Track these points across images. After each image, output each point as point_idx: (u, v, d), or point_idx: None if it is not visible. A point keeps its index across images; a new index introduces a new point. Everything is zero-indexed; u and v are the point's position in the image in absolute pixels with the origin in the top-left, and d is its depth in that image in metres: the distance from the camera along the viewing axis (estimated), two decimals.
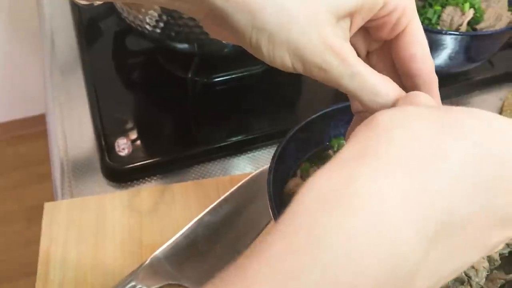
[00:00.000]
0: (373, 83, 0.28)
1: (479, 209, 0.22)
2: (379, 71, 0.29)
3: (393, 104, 0.29)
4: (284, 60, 0.28)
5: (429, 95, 0.29)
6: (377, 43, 0.33)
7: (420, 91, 0.31)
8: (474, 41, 0.59)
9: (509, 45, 0.68)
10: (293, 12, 0.27)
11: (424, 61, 0.31)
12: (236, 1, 0.27)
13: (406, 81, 0.31)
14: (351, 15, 0.29)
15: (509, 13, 0.64)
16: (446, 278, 0.23)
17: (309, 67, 0.28)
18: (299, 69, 0.29)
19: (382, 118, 0.23)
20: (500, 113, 0.66)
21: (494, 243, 0.24)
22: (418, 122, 0.23)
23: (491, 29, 0.62)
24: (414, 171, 0.21)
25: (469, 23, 0.62)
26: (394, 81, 0.30)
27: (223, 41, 0.33)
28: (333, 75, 0.28)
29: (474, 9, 0.61)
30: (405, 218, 0.20)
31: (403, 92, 0.29)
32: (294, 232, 0.20)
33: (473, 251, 0.23)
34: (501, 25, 0.63)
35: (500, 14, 0.63)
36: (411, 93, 0.29)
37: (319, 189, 0.21)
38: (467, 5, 0.61)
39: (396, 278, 0.20)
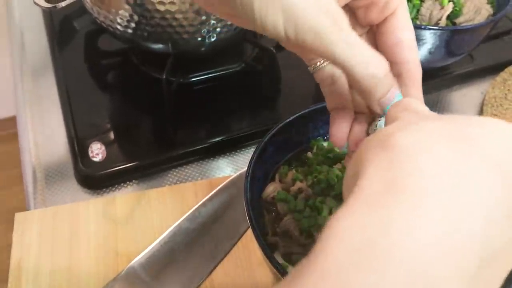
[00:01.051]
0: (366, 54, 0.27)
1: (509, 239, 0.20)
2: None
3: (382, 81, 0.28)
4: (276, 23, 0.26)
5: (416, 96, 0.29)
6: (362, 29, 0.32)
7: (404, 80, 0.30)
8: (454, 36, 0.58)
9: (489, 38, 0.67)
10: None
11: (410, 48, 0.30)
12: None
13: (390, 69, 0.30)
14: None
15: (488, 6, 0.63)
16: None
17: (302, 33, 0.26)
18: (291, 35, 0.26)
19: (401, 140, 0.21)
20: (482, 106, 0.66)
21: None
22: (439, 143, 0.21)
23: (471, 22, 0.61)
24: (447, 205, 0.19)
25: (448, 17, 0.61)
26: None
27: (214, 13, 0.31)
28: (327, 41, 0.26)
29: (453, 2, 0.60)
30: (448, 266, 0.18)
31: (390, 73, 0.28)
32: None
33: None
34: (480, 18, 0.62)
35: (479, 8, 0.62)
36: (404, 100, 0.28)
37: (351, 240, 0.18)
38: None
39: None
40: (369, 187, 0.20)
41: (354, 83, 0.28)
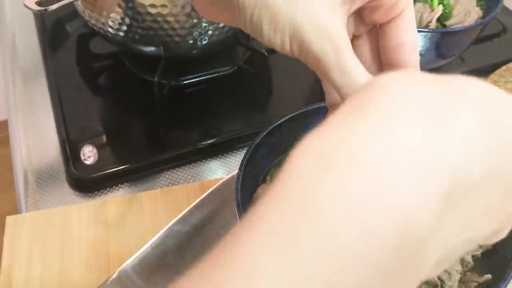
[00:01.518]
0: (357, 80, 0.27)
1: (491, 173, 0.19)
2: (362, 58, 0.29)
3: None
4: (284, 41, 0.28)
5: None
6: (365, 27, 0.32)
7: None
8: (444, 38, 0.58)
9: (479, 41, 0.68)
10: None
11: (412, 51, 0.30)
12: None
13: (388, 69, 0.30)
14: None
15: (478, 8, 0.64)
16: (454, 252, 0.21)
17: (304, 54, 0.28)
18: (295, 52, 0.28)
19: (379, 79, 0.21)
20: None
21: (506, 216, 0.22)
22: (419, 82, 0.20)
23: (461, 25, 0.62)
24: (422, 127, 0.18)
25: (438, 20, 0.61)
26: (376, 70, 0.30)
27: (213, 20, 0.34)
28: (325, 66, 0.27)
29: (443, 5, 0.61)
30: (415, 177, 0.17)
31: None
32: (289, 197, 0.17)
33: (484, 221, 0.21)
34: (470, 21, 0.62)
35: (469, 10, 0.63)
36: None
37: (313, 147, 0.18)
38: (436, 1, 0.60)
39: (407, 244, 0.17)
40: (339, 110, 0.20)
41: (342, 96, 0.29)
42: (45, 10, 0.43)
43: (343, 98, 0.28)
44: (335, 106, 0.33)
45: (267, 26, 0.27)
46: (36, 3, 0.46)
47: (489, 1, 0.64)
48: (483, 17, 0.64)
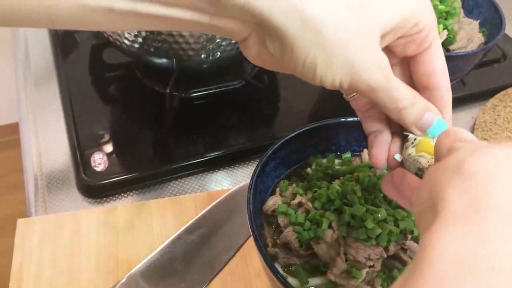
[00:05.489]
0: (401, 93, 0.30)
1: None
2: None
3: (411, 109, 0.31)
4: (335, 78, 0.29)
5: (448, 119, 0.33)
6: (397, 59, 0.34)
7: (436, 105, 0.33)
8: (447, 62, 0.59)
9: (480, 65, 0.70)
10: (351, 28, 0.27)
11: (444, 75, 0.33)
12: (301, 18, 0.26)
13: (423, 94, 0.33)
14: (389, 32, 0.30)
15: (480, 34, 0.66)
16: None
17: (356, 84, 0.29)
18: (345, 85, 0.29)
19: (474, 165, 0.23)
20: (472, 131, 0.68)
21: None
22: (510, 166, 0.22)
23: (464, 50, 0.64)
24: None
25: (442, 44, 0.63)
26: None
27: (259, 65, 0.32)
28: (375, 90, 0.30)
29: (448, 30, 0.63)
30: None
31: (421, 100, 0.32)
32: None
33: None
34: (473, 46, 0.65)
35: (472, 36, 0.65)
36: (453, 129, 0.29)
37: (453, 252, 0.20)
38: (440, 26, 0.62)
39: None
40: (454, 208, 0.21)
41: (386, 112, 0.32)
42: None
43: (383, 109, 0.31)
44: (373, 133, 0.35)
45: (320, 67, 0.28)
46: None
47: (491, 27, 0.67)
48: (485, 43, 0.66)
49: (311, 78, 0.29)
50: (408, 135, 0.34)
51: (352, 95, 0.36)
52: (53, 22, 0.27)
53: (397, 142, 0.35)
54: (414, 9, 0.30)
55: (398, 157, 0.34)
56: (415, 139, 0.33)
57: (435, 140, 0.30)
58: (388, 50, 0.33)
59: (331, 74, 0.28)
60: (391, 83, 0.30)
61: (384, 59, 0.29)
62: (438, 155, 0.28)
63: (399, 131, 0.35)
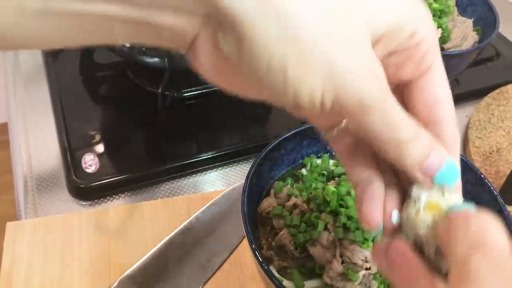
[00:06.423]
0: (398, 117, 0.24)
1: None
2: None
3: (412, 144, 0.24)
4: (314, 88, 0.21)
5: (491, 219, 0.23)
6: (392, 85, 0.27)
7: (440, 142, 0.26)
8: (442, 60, 0.60)
9: (474, 64, 0.70)
10: (336, 18, 0.21)
11: (449, 106, 0.27)
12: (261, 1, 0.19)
13: (424, 127, 0.26)
14: (379, 39, 0.23)
15: (474, 33, 0.66)
16: None
17: (342, 100, 0.22)
18: (328, 101, 0.22)
19: (480, 270, 0.20)
20: (466, 129, 0.68)
21: None
22: None
23: (458, 48, 0.64)
24: None
25: None
26: None
27: (216, 82, 0.25)
28: (368, 110, 0.22)
29: (442, 28, 0.63)
30: None
31: (425, 133, 0.25)
32: None
33: None
34: (467, 44, 0.64)
35: (466, 34, 0.65)
36: (476, 220, 0.22)
37: None
38: (435, 24, 0.62)
39: None
40: None
41: (379, 149, 0.25)
42: None
43: (374, 140, 0.24)
44: (361, 184, 0.27)
45: (292, 70, 0.21)
46: None
47: (485, 26, 0.67)
48: (479, 41, 0.66)
49: (281, 91, 0.21)
50: (409, 188, 0.26)
51: (334, 130, 0.26)
52: None
53: (393, 196, 0.27)
54: (409, 14, 0.24)
55: (395, 216, 0.26)
56: (419, 194, 0.25)
57: (444, 191, 0.25)
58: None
59: (309, 83, 0.21)
60: (389, 101, 0.23)
61: (379, 66, 0.23)
62: (447, 252, 0.22)
63: (396, 182, 0.28)
